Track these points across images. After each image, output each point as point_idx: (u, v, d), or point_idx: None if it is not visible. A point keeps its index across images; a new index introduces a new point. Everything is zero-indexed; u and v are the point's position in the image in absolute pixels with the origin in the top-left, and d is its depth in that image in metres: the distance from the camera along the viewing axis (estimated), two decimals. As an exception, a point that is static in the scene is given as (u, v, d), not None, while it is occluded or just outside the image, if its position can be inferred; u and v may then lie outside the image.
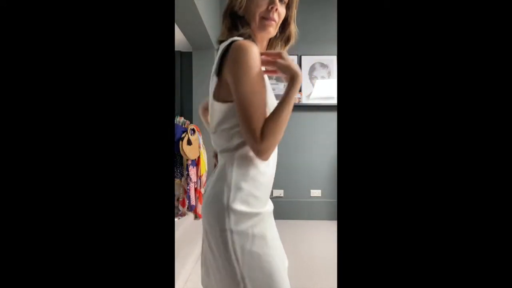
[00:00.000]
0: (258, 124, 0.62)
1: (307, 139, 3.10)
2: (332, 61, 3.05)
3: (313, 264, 2.00)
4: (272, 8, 0.69)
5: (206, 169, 2.73)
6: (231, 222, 0.64)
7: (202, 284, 0.78)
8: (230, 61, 0.63)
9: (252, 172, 0.69)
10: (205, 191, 0.72)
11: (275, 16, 0.71)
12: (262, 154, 0.63)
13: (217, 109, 0.67)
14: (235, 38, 0.67)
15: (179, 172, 2.52)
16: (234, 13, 0.72)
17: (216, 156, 0.76)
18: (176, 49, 3.95)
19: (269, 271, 0.65)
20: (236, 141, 0.67)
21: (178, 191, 2.56)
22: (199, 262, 2.00)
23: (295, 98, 0.67)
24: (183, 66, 4.04)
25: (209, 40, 2.60)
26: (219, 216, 0.65)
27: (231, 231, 0.64)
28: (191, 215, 2.61)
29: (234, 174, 0.67)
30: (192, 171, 2.52)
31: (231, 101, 0.65)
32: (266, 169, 0.72)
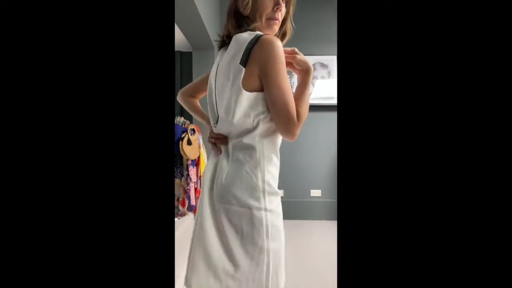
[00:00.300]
0: (294, 109, 0.70)
1: (307, 139, 3.10)
2: (332, 61, 3.05)
3: (313, 264, 2.00)
4: (277, 9, 0.75)
5: (206, 169, 2.73)
6: (266, 202, 0.73)
7: (190, 282, 0.77)
8: (263, 54, 0.68)
9: (274, 158, 0.77)
10: (224, 178, 0.75)
11: (279, 16, 0.77)
12: (296, 135, 0.71)
13: (244, 97, 0.71)
14: (259, 33, 0.72)
15: (179, 172, 2.52)
16: (239, 13, 0.77)
17: (218, 142, 0.80)
18: (176, 49, 3.95)
19: (282, 240, 0.77)
20: (261, 128, 0.73)
21: (178, 191, 2.56)
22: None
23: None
24: (183, 66, 4.04)
25: (209, 40, 2.59)
26: (254, 197, 0.72)
27: (266, 209, 0.72)
28: (191, 215, 2.61)
29: (266, 159, 0.74)
30: (192, 171, 2.52)
31: (258, 91, 0.71)
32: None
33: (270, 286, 0.71)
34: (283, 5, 0.76)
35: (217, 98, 0.78)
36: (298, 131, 0.71)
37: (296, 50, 0.78)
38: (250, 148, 0.74)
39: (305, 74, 0.77)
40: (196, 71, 2.87)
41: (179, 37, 3.08)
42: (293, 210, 3.06)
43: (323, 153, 3.10)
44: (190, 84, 1.02)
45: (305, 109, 0.73)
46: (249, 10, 0.75)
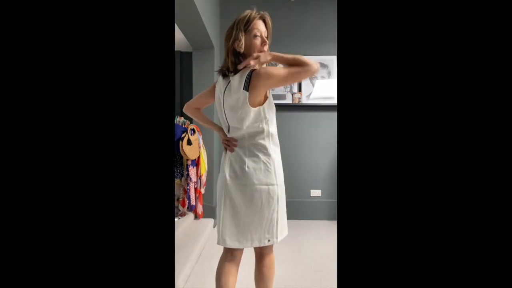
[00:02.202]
0: (297, 69, 1.01)
1: (307, 139, 3.10)
2: (332, 61, 3.05)
3: (313, 264, 2.00)
4: (264, 44, 1.08)
5: (206, 169, 2.73)
6: (277, 179, 1.08)
7: (224, 237, 1.09)
8: (263, 77, 1.00)
9: (277, 148, 1.13)
10: (246, 168, 1.06)
11: (266, 47, 1.09)
12: (314, 67, 1.00)
13: (252, 112, 1.03)
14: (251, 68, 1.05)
15: (179, 172, 2.52)
16: (236, 52, 1.07)
17: (230, 144, 1.12)
18: (176, 49, 3.95)
19: (285, 204, 1.14)
20: (265, 129, 1.07)
21: (178, 191, 2.57)
22: (199, 262, 2.00)
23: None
24: (183, 66, 4.04)
25: (209, 40, 2.59)
26: (270, 177, 1.07)
27: (277, 185, 1.08)
28: (191, 215, 2.61)
29: (272, 150, 1.09)
30: (192, 171, 2.52)
31: (259, 105, 1.04)
32: None
33: (276, 231, 1.08)
34: (267, 40, 1.09)
35: (226, 113, 1.10)
36: (311, 64, 0.99)
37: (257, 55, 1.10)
38: (262, 146, 1.08)
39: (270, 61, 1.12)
40: (196, 71, 2.87)
41: (179, 37, 3.08)
42: (293, 210, 3.06)
43: (323, 153, 3.10)
44: (194, 98, 1.32)
45: (295, 59, 1.01)
46: (243, 49, 1.06)
